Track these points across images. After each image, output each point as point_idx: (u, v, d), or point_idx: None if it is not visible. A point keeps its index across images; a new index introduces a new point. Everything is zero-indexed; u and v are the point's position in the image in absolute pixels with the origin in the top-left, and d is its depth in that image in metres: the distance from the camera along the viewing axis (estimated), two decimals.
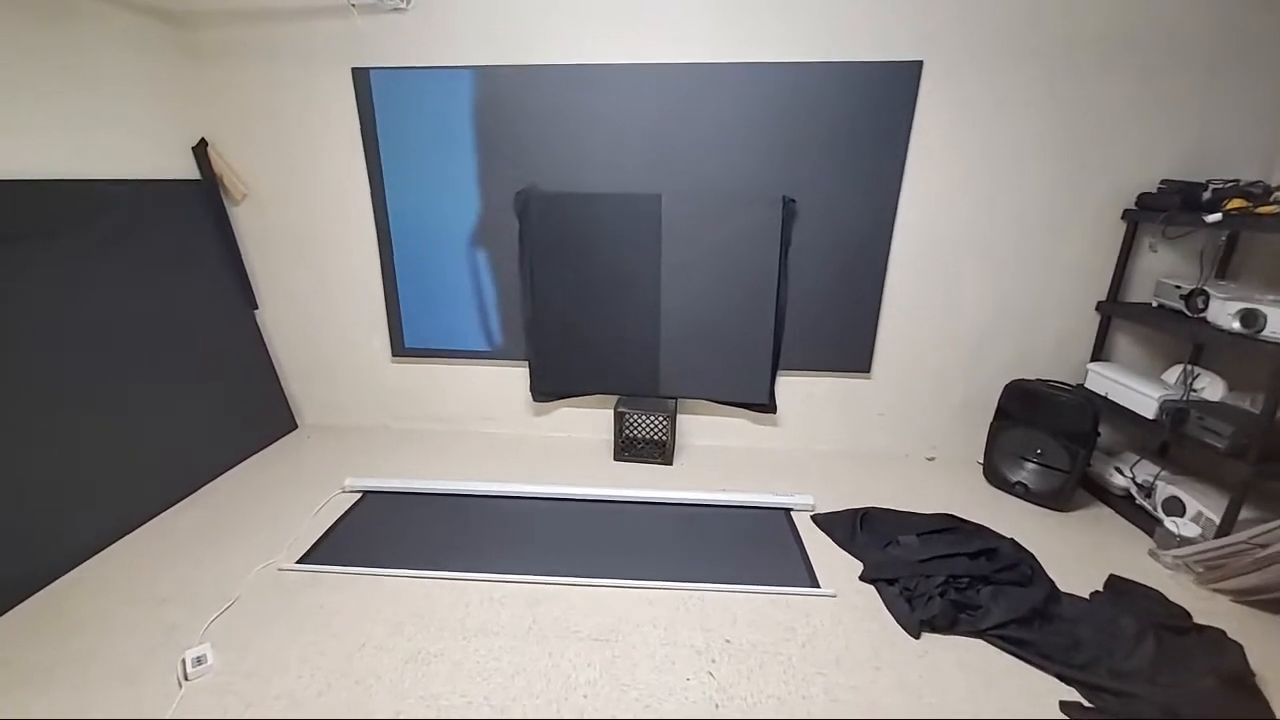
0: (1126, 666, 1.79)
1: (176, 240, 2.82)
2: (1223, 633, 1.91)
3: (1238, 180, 2.37)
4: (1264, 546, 1.94)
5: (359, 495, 2.72)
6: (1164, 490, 2.52)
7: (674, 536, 2.46)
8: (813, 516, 2.58)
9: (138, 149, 2.69)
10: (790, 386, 3.13)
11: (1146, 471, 2.62)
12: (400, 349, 3.26)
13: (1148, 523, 2.50)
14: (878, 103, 2.64)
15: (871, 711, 1.67)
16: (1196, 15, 2.45)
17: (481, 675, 1.76)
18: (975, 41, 2.54)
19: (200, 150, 2.93)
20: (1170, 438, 2.41)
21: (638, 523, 2.55)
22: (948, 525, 2.47)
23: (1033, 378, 2.80)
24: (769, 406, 3.13)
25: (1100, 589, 2.15)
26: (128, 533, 2.37)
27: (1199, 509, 2.35)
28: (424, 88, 2.80)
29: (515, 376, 3.25)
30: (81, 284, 2.38)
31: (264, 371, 3.26)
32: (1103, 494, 2.77)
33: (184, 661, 1.74)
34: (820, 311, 2.96)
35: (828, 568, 2.26)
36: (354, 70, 2.80)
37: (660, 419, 3.01)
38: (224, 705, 1.65)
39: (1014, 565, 2.17)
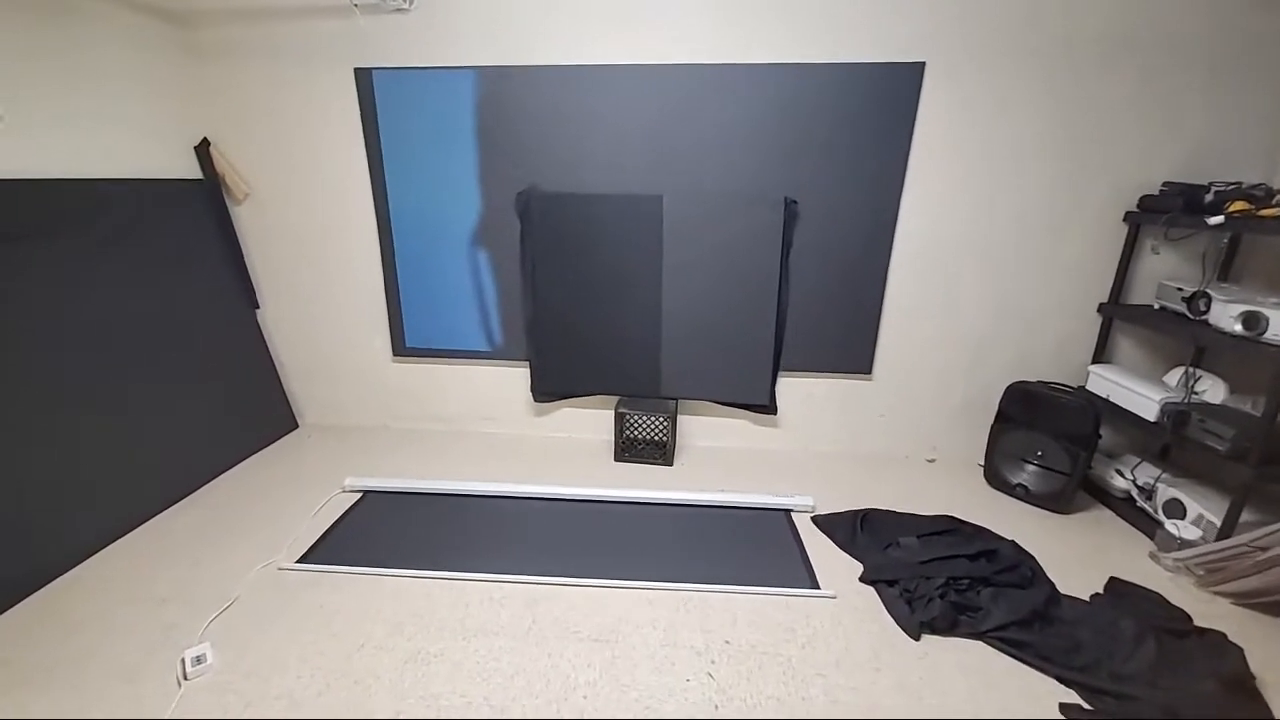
0: (1127, 669, 1.78)
1: (178, 240, 2.82)
2: (1223, 636, 1.90)
3: (1240, 183, 2.37)
4: (1265, 549, 1.94)
5: (359, 495, 2.72)
6: (1165, 493, 2.51)
7: (674, 537, 2.46)
8: (813, 518, 2.58)
9: (139, 148, 2.69)
10: (791, 387, 3.13)
11: (1147, 474, 2.62)
12: (401, 348, 3.26)
13: (1148, 525, 2.50)
14: (880, 103, 2.64)
15: (872, 713, 1.67)
16: (1198, 16, 2.44)
17: (481, 675, 1.76)
18: (977, 42, 2.54)
19: (202, 150, 2.93)
20: (1171, 440, 2.41)
21: (638, 523, 2.55)
22: (948, 527, 2.47)
23: (1034, 379, 2.80)
24: (770, 407, 3.13)
25: (1101, 591, 2.15)
26: (128, 532, 2.37)
27: (1200, 511, 2.35)
28: (426, 88, 2.80)
29: (516, 377, 3.25)
30: (82, 284, 2.38)
31: (265, 371, 3.27)
32: (1103, 496, 2.77)
33: (183, 661, 1.74)
34: (821, 312, 2.96)
35: (828, 569, 2.26)
36: (356, 70, 2.81)
37: (661, 420, 3.01)
38: (223, 705, 1.65)
39: (1014, 567, 2.17)
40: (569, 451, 3.18)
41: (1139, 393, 2.53)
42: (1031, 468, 2.75)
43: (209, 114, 2.94)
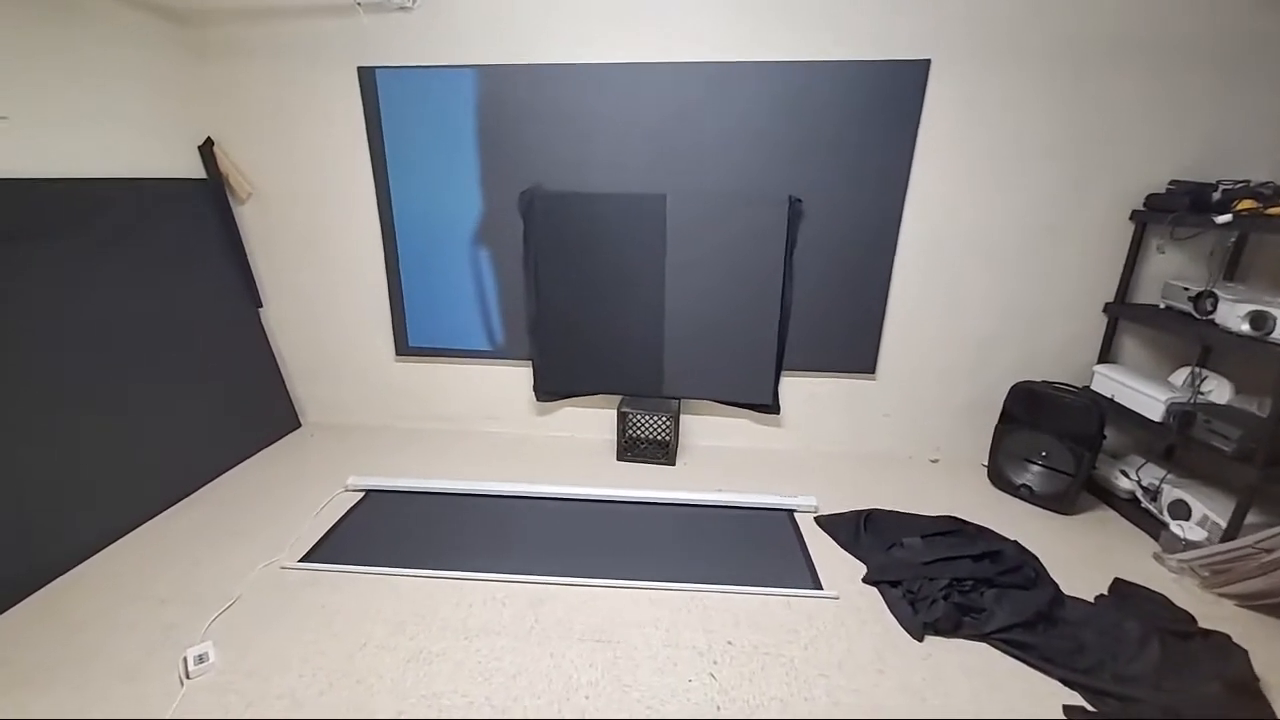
0: (1131, 671, 1.77)
1: (181, 239, 2.82)
2: (1228, 637, 1.89)
3: (1248, 181, 2.35)
4: (1270, 551, 1.93)
5: (361, 494, 2.72)
6: (1170, 493, 2.50)
7: (676, 537, 2.46)
8: (816, 518, 2.57)
9: (142, 148, 2.70)
10: (794, 387, 3.12)
11: (1152, 474, 2.61)
12: (404, 348, 3.26)
13: (1153, 526, 2.49)
14: (885, 102, 2.63)
15: (875, 714, 1.67)
16: (1205, 14, 2.42)
17: (483, 675, 1.76)
18: (983, 40, 2.53)
19: (206, 149, 2.93)
20: (1177, 441, 2.39)
21: (640, 523, 2.55)
22: (952, 527, 2.46)
23: (1038, 379, 2.79)
24: (773, 407, 3.12)
25: (1105, 593, 2.14)
26: (130, 531, 2.38)
27: (1205, 513, 2.34)
28: (429, 87, 2.80)
29: (518, 376, 3.25)
30: (82, 283, 2.38)
31: (268, 370, 3.27)
32: (1108, 497, 2.75)
33: (185, 660, 1.75)
34: (825, 312, 2.95)
35: (831, 569, 2.25)
36: (359, 69, 2.80)
37: (664, 419, 3.00)
38: (225, 704, 1.66)
39: (1018, 568, 2.16)
40: (571, 451, 3.17)
41: (1144, 393, 2.52)
42: (1035, 468, 2.73)
43: (212, 113, 2.94)
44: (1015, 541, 2.34)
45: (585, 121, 2.78)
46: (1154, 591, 2.13)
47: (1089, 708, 1.68)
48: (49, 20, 2.31)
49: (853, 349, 3.01)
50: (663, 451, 3.05)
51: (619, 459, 3.08)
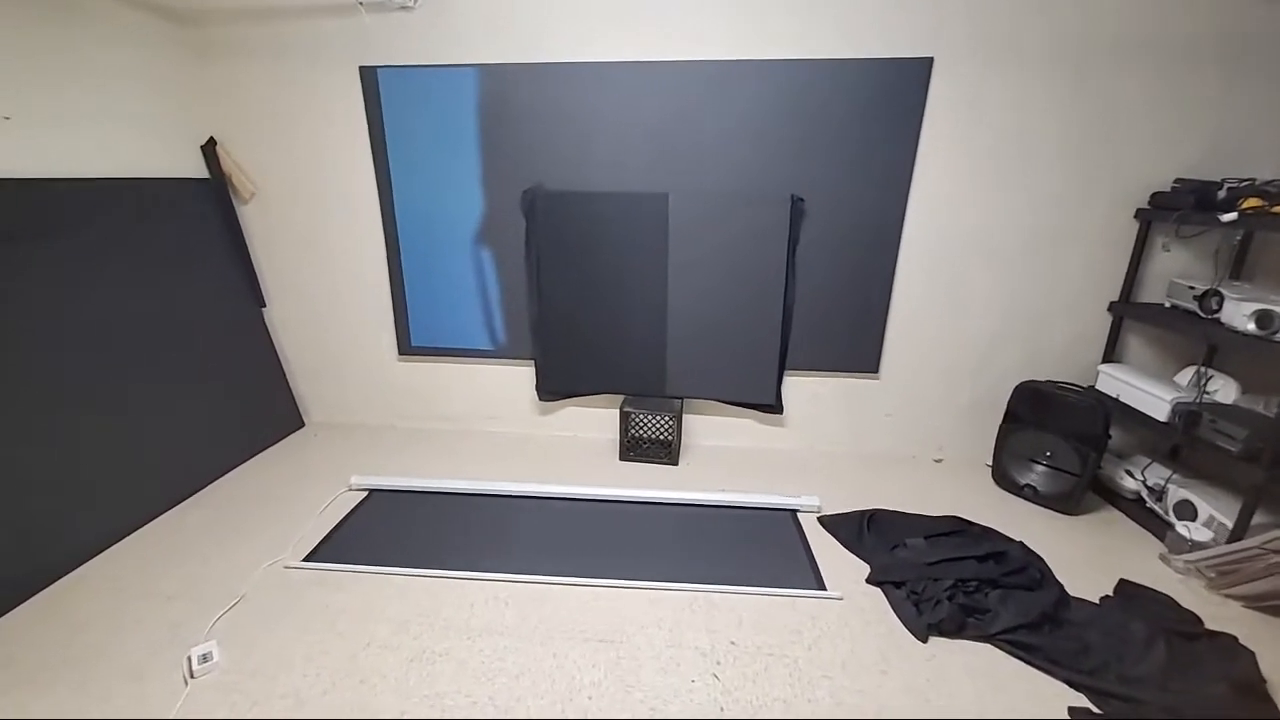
0: (1136, 672, 1.77)
1: (184, 239, 2.82)
2: (1234, 639, 1.89)
3: (1253, 179, 2.34)
4: (1277, 552, 1.91)
5: (365, 494, 2.72)
6: (1175, 494, 2.48)
7: (679, 537, 2.45)
8: (819, 518, 2.57)
9: (143, 147, 2.70)
10: (797, 387, 3.11)
11: (1158, 475, 2.59)
12: (406, 347, 3.26)
13: (1159, 527, 2.48)
14: (887, 100, 2.62)
15: (878, 715, 1.66)
16: (1210, 13, 2.41)
17: (486, 675, 1.76)
18: (986, 38, 2.52)
19: (209, 149, 2.94)
20: (1182, 441, 2.38)
21: (643, 523, 2.55)
22: (956, 528, 2.45)
23: (1043, 379, 2.78)
24: (775, 407, 3.11)
25: (1110, 594, 2.13)
26: (134, 531, 2.38)
27: (1211, 513, 2.32)
28: (430, 86, 2.79)
29: (521, 376, 3.25)
30: (85, 283, 2.38)
31: (271, 369, 3.28)
32: (1113, 497, 2.74)
33: (190, 659, 1.75)
34: (828, 311, 2.94)
35: (834, 570, 2.25)
36: (361, 69, 2.80)
37: (666, 419, 3.00)
38: (229, 703, 1.66)
39: (1023, 569, 2.15)
40: (574, 451, 3.17)
41: (1150, 392, 2.51)
42: (1040, 468, 2.72)
43: (214, 113, 2.94)
44: (1020, 542, 2.33)
45: (587, 121, 2.78)
46: (1160, 592, 2.12)
47: (1094, 709, 1.68)
48: (49, 20, 2.31)
49: (856, 348, 3.00)
50: (665, 451, 3.04)
51: (622, 459, 3.08)
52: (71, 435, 2.25)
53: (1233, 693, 1.69)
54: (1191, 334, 2.48)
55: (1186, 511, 2.42)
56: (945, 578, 2.09)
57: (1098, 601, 2.09)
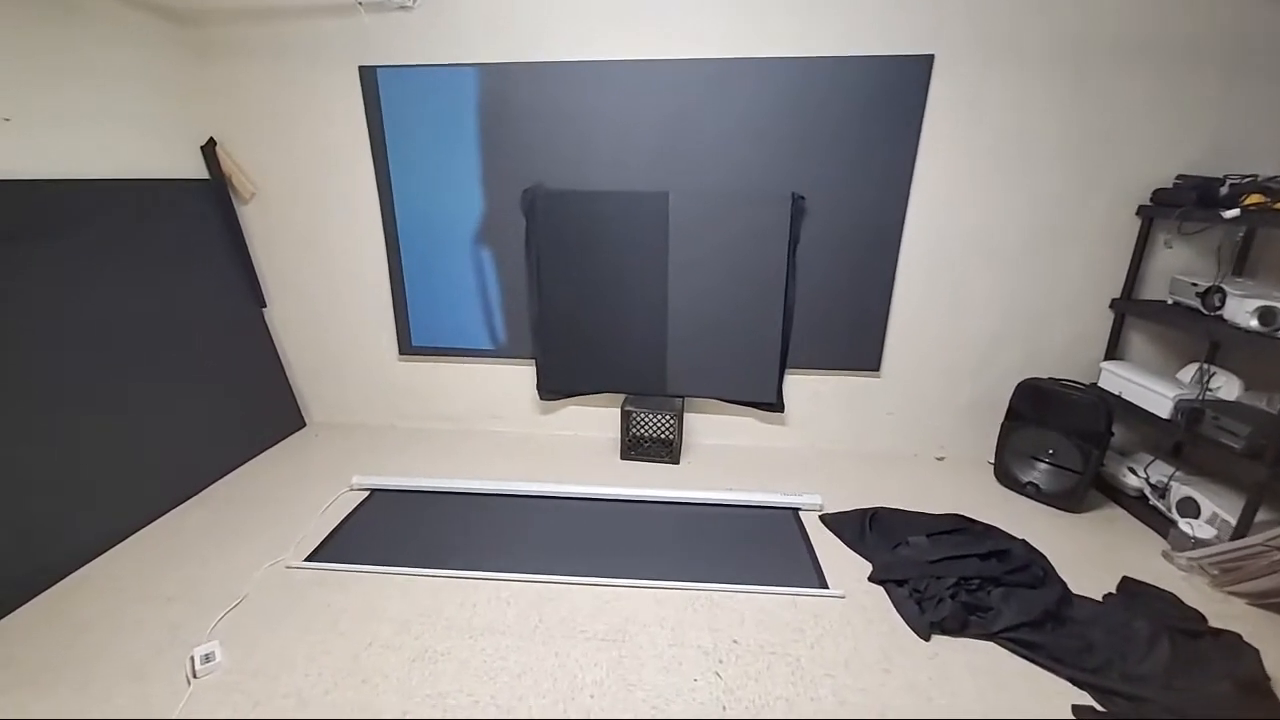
0: (1140, 670, 1.76)
1: (184, 239, 2.82)
2: (1238, 636, 1.88)
3: (1256, 175, 2.33)
4: None
5: (366, 493, 2.72)
6: (1178, 491, 2.48)
7: (681, 536, 2.45)
8: (821, 516, 2.56)
9: (143, 147, 2.70)
10: (798, 385, 3.11)
11: (1161, 472, 2.59)
12: (407, 347, 3.26)
13: (1162, 524, 2.47)
14: (887, 98, 2.61)
15: (881, 714, 1.66)
16: (1211, 13, 2.40)
17: (488, 674, 1.76)
18: (987, 35, 2.51)
19: (209, 149, 2.94)
20: (1185, 438, 2.37)
21: (644, 522, 2.54)
22: (958, 526, 2.45)
23: (1045, 376, 2.77)
24: (777, 405, 3.11)
25: (1113, 591, 2.13)
26: (135, 531, 2.38)
27: (1214, 510, 2.32)
28: (430, 85, 2.79)
29: (522, 375, 3.25)
30: (85, 283, 2.37)
31: (272, 369, 3.27)
32: (1116, 495, 2.73)
33: (192, 659, 1.75)
34: (829, 309, 2.94)
35: (836, 568, 2.24)
36: (361, 69, 2.80)
37: (667, 418, 2.99)
38: (232, 703, 1.66)
39: (1025, 567, 2.15)
40: (575, 450, 3.17)
41: (1152, 389, 2.50)
42: (1042, 466, 2.72)
43: (214, 113, 2.94)
44: (1023, 540, 2.32)
45: (587, 120, 2.77)
46: (1163, 590, 2.11)
47: (1098, 707, 1.67)
48: (49, 20, 2.31)
49: (857, 346, 3.00)
50: (667, 450, 3.04)
51: (623, 458, 3.07)
52: (72, 436, 2.25)
53: (1237, 691, 1.69)
54: (1194, 331, 2.47)
55: (1189, 509, 2.41)
56: (948, 576, 2.08)
57: (1101, 599, 2.08)
